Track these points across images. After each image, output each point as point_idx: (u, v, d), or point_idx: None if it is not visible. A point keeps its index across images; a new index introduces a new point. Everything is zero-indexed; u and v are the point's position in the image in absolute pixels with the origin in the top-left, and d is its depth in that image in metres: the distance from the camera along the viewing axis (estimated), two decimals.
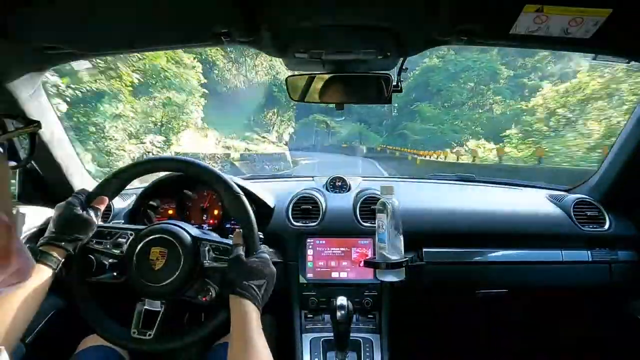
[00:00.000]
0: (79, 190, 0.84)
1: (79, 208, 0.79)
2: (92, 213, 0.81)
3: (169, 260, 0.78)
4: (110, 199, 0.87)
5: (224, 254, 0.80)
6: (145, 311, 0.80)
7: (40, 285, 0.72)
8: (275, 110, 21.96)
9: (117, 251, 0.83)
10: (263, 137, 19.77)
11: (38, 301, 0.72)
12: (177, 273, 0.78)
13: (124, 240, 0.83)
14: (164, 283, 0.77)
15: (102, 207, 0.84)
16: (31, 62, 0.90)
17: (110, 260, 0.85)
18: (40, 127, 0.47)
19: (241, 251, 0.76)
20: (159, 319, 0.79)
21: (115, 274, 0.88)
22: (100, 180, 0.87)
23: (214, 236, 0.85)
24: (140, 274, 0.78)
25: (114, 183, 0.86)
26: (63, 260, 0.76)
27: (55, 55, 0.91)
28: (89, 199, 0.83)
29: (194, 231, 0.84)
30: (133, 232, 0.83)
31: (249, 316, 0.68)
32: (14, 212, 0.43)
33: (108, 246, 0.83)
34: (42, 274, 0.73)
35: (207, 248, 0.81)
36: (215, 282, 0.81)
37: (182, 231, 0.82)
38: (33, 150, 0.48)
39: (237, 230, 0.82)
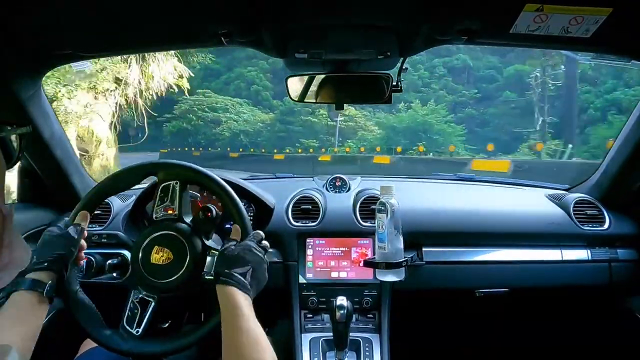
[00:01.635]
0: (57, 224, 0.79)
1: (56, 230, 0.76)
2: (72, 230, 0.76)
3: (173, 251, 0.78)
4: (90, 212, 0.83)
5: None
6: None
7: (35, 314, 0.68)
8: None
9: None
10: None
11: (35, 329, 0.67)
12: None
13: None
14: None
15: (84, 223, 0.79)
16: (31, 63, 0.90)
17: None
18: (30, 130, 0.47)
19: (232, 246, 0.76)
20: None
21: (114, 274, 0.88)
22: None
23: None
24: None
25: (93, 199, 0.83)
26: (52, 282, 0.70)
27: (55, 56, 0.91)
28: (68, 222, 0.79)
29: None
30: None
31: (238, 303, 0.66)
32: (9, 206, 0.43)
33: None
34: (34, 303, 0.67)
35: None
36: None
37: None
38: (21, 150, 0.48)
39: (235, 226, 0.82)
